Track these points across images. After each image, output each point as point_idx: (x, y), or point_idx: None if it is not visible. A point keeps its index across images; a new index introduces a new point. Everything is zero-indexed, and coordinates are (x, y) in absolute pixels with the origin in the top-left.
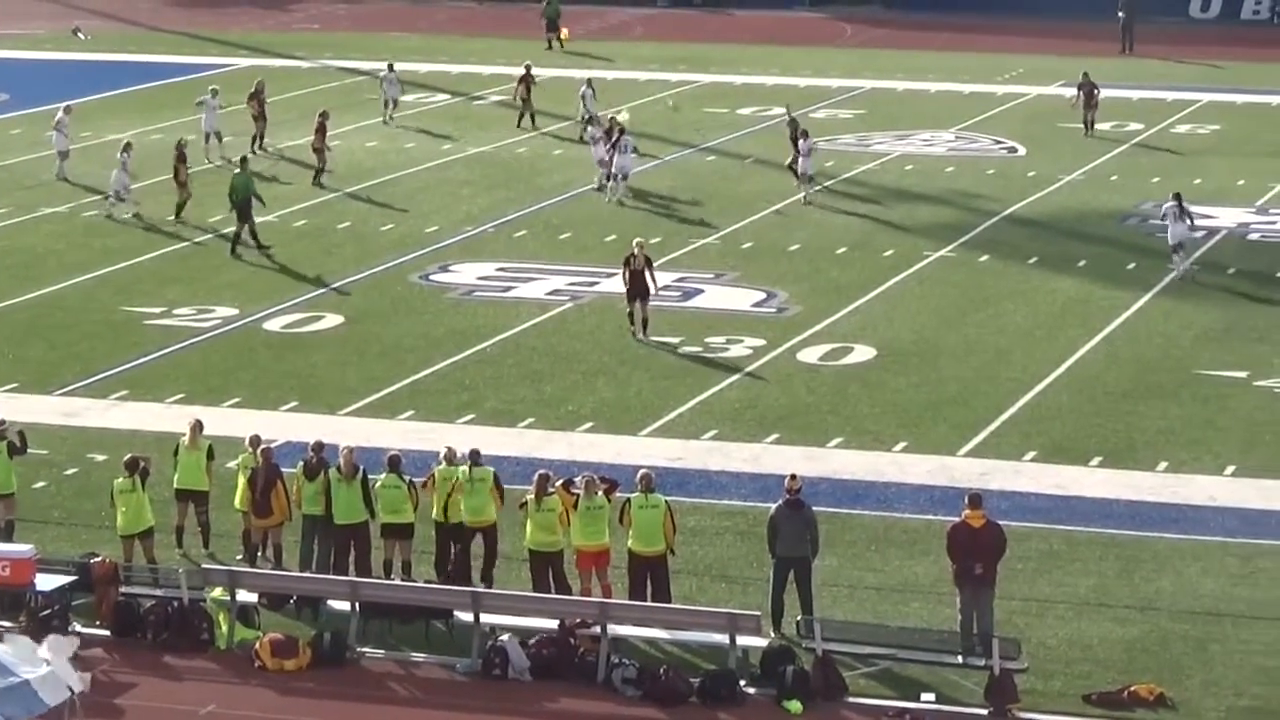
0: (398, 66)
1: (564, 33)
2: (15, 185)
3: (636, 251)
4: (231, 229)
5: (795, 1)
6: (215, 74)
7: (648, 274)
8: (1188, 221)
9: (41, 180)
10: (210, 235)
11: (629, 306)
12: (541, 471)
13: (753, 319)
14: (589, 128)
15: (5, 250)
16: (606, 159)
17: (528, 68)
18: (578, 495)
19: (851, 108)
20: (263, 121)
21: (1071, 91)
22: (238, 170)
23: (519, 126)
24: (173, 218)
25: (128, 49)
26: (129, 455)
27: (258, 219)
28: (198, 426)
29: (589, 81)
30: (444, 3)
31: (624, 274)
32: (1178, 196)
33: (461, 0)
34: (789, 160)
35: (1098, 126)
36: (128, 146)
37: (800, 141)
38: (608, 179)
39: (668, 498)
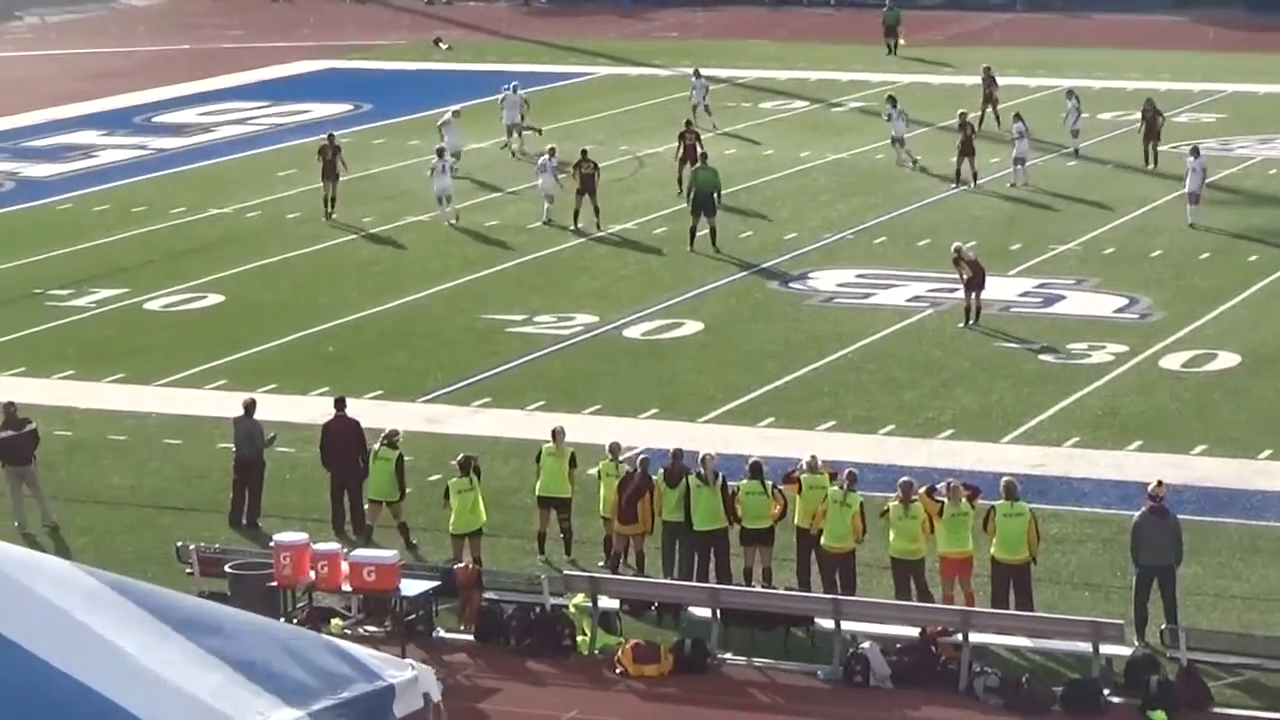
0: (753, 74)
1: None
2: (379, 194)
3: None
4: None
5: (1156, 5)
6: (574, 83)
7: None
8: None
9: (404, 189)
10: (571, 244)
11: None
12: (905, 479)
13: (1115, 325)
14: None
15: (370, 259)
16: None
17: (987, 69)
18: (942, 502)
19: (1214, 111)
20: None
21: None
22: (699, 165)
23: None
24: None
25: (487, 58)
26: (461, 455)
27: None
28: (560, 433)
29: (1017, 115)
30: (803, 9)
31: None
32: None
33: (821, 6)
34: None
35: None
36: (552, 151)
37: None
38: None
39: (1029, 505)
